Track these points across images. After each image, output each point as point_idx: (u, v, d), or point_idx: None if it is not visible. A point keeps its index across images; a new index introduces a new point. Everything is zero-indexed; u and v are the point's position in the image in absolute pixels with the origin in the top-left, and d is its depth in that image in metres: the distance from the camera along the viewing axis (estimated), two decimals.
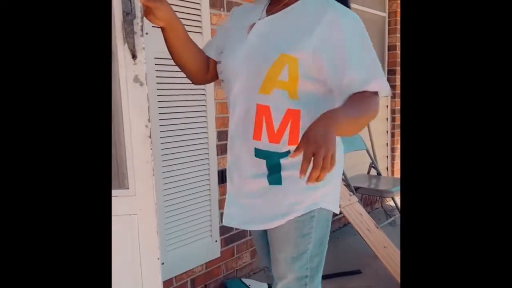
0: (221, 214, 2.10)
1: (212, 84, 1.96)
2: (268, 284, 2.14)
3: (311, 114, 0.95)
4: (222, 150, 2.07)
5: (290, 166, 1.01)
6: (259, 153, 1.02)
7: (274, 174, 1.02)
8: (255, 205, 1.07)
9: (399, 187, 2.80)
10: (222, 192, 2.10)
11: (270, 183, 1.03)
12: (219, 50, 1.12)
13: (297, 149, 0.78)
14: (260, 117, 0.99)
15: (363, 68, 0.94)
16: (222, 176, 2.07)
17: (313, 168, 0.75)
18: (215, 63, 1.14)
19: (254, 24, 1.03)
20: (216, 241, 2.09)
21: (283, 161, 1.02)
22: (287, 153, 1.01)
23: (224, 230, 2.14)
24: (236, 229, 2.22)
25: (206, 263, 2.06)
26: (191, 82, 1.81)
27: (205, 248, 2.04)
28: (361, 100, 0.92)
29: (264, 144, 1.01)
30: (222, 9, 2.00)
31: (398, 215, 2.99)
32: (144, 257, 0.95)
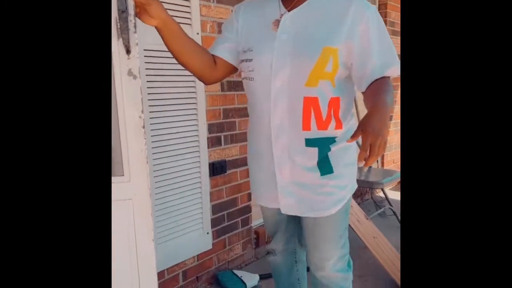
0: (212, 207, 2.12)
1: None
2: (259, 275, 2.16)
3: (344, 99, 1.10)
4: (213, 142, 2.07)
5: (338, 153, 1.10)
6: (310, 142, 1.08)
7: (325, 164, 1.09)
8: (312, 195, 1.13)
9: (388, 179, 2.83)
10: (214, 185, 2.11)
11: (322, 174, 1.10)
12: (234, 49, 1.14)
13: (353, 136, 0.88)
14: (308, 109, 1.04)
15: (383, 56, 1.03)
16: (213, 169, 2.08)
17: (370, 156, 0.84)
18: (224, 62, 1.15)
19: (277, 20, 1.05)
20: (207, 233, 2.10)
21: (332, 147, 1.09)
22: (335, 138, 1.09)
23: (215, 222, 2.15)
24: (228, 221, 2.23)
25: (197, 255, 2.07)
26: (180, 75, 1.83)
27: (197, 240, 2.05)
28: (385, 85, 1.01)
29: (314, 132, 1.07)
30: (212, 0, 1.99)
31: (387, 206, 3.02)
32: (139, 239, 1.00)
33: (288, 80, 1.03)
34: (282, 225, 1.32)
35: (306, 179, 1.12)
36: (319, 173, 1.10)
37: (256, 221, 2.55)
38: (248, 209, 2.36)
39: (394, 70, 1.04)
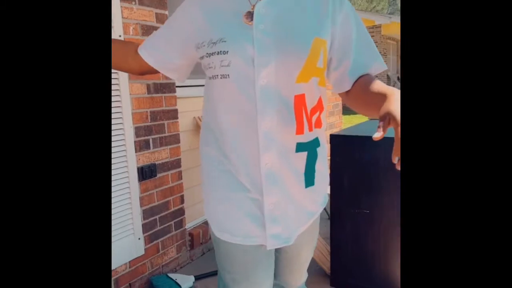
0: (143, 211, 2.08)
1: (126, 79, 1.92)
2: (195, 276, 2.17)
3: (324, 100, 0.97)
4: (140, 146, 2.04)
5: (319, 162, 0.98)
6: (300, 147, 0.93)
7: (310, 173, 0.96)
8: (296, 212, 0.98)
9: None
10: (144, 189, 2.07)
11: (307, 185, 0.97)
12: (159, 56, 0.99)
13: (385, 128, 0.68)
14: (300, 108, 0.90)
15: (365, 50, 0.94)
16: (142, 173, 2.04)
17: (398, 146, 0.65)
18: (146, 63, 1.01)
19: (249, 12, 0.88)
20: (139, 238, 2.06)
21: (318, 151, 0.97)
22: (318, 139, 0.97)
23: (147, 227, 2.11)
24: (160, 225, 2.21)
25: (129, 261, 2.03)
26: None
27: (128, 247, 2.00)
28: (376, 79, 0.89)
29: (306, 135, 0.93)
30: (133, 3, 1.96)
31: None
32: None
33: (275, 77, 0.86)
34: (264, 262, 1.00)
35: (292, 194, 0.95)
36: (304, 185, 0.96)
37: (190, 223, 2.55)
38: (181, 212, 2.35)
39: (378, 66, 0.95)
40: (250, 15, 0.87)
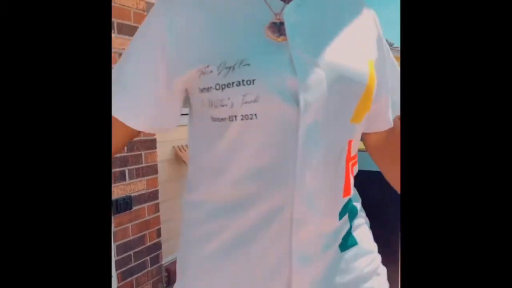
0: (117, 247, 1.97)
1: None
2: None
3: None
4: (115, 178, 1.95)
5: (359, 217, 0.72)
6: (343, 212, 0.66)
7: (348, 235, 0.68)
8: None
9: None
10: (118, 223, 1.97)
11: (343, 249, 0.66)
12: (143, 104, 0.62)
13: None
14: (349, 160, 0.64)
15: (397, 73, 0.74)
16: (116, 206, 1.95)
17: None
18: (125, 127, 0.64)
19: (273, 22, 0.59)
20: (111, 276, 1.94)
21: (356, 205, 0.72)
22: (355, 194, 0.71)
23: (121, 263, 2.00)
24: (135, 261, 2.10)
25: None
26: None
27: None
28: None
29: (351, 196, 0.68)
30: (112, 31, 1.92)
31: None
32: None
33: (324, 114, 0.58)
34: None
35: (327, 266, 0.65)
36: (337, 250, 0.65)
37: (167, 258, 2.44)
38: (157, 246, 2.25)
39: None
40: (276, 27, 0.58)
